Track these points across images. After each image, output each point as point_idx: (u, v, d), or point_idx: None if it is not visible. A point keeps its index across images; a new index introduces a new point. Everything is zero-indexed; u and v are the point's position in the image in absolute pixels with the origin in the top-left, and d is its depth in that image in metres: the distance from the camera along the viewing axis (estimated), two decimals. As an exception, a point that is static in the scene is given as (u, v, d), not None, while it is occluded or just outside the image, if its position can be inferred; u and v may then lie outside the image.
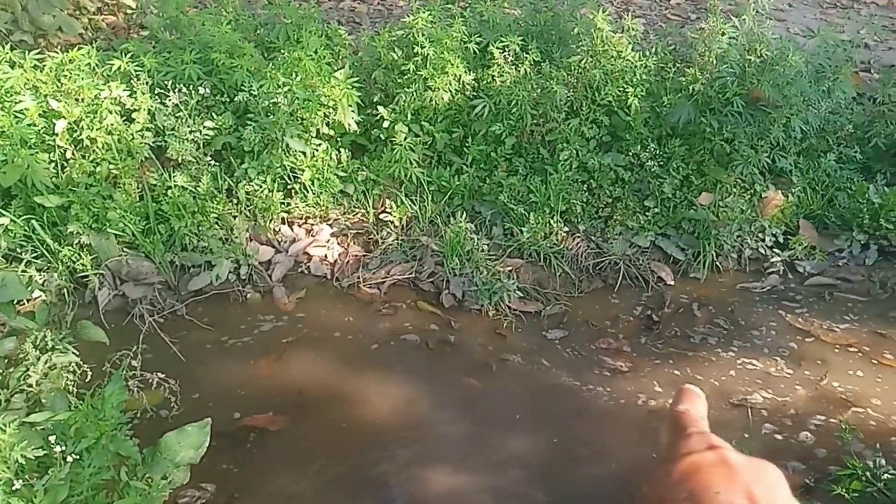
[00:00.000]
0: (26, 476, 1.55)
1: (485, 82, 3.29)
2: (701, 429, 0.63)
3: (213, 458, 2.06)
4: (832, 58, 3.38)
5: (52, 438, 1.55)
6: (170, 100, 2.94)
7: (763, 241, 3.19)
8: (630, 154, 3.24)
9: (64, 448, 1.55)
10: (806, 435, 2.41)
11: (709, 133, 3.19)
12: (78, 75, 2.89)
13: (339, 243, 3.20)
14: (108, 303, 2.84)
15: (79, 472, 1.62)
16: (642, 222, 3.19)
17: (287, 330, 2.82)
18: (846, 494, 2.12)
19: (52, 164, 2.86)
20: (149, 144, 2.96)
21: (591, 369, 2.70)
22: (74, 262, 2.78)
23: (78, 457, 1.58)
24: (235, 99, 3.07)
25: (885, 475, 2.14)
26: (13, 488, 1.49)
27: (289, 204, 3.19)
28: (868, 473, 2.14)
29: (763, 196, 3.23)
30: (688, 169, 3.26)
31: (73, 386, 2.18)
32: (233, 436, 2.30)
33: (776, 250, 3.18)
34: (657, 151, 3.22)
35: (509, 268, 3.08)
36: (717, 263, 3.16)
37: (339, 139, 3.31)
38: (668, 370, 2.69)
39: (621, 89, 3.20)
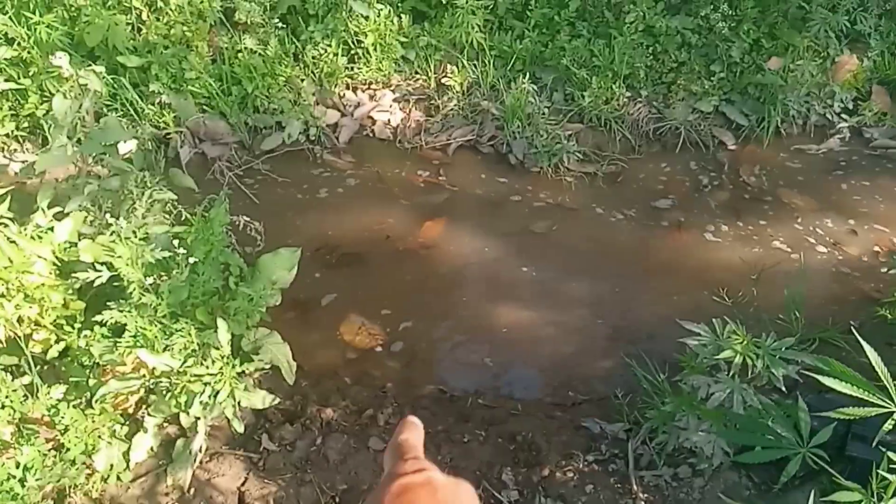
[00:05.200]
0: (153, 277, 1.77)
1: (550, -59, 3.20)
2: (416, 455, 0.85)
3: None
4: None
5: (175, 242, 1.76)
6: (238, -40, 2.96)
7: (831, 106, 3.13)
8: (699, 16, 3.15)
9: (185, 252, 1.76)
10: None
11: (785, -7, 3.07)
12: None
13: (401, 108, 3.28)
14: (190, 160, 3.02)
15: (195, 277, 1.84)
16: (707, 87, 3.15)
17: (357, 185, 2.98)
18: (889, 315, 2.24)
19: (130, 27, 2.98)
20: (218, 8, 3.03)
21: (645, 222, 2.80)
22: (158, 120, 2.95)
23: (194, 262, 1.79)
24: (301, -41, 3.08)
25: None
26: (145, 285, 1.72)
27: (352, 69, 3.26)
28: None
29: (836, 60, 3.13)
30: (759, 32, 3.16)
31: (171, 224, 2.38)
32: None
33: (844, 116, 3.13)
34: (728, 13, 3.12)
35: (569, 132, 3.12)
36: (782, 129, 3.13)
37: (399, 4, 3.30)
38: (721, 224, 2.78)
39: (694, -54, 3.07)
